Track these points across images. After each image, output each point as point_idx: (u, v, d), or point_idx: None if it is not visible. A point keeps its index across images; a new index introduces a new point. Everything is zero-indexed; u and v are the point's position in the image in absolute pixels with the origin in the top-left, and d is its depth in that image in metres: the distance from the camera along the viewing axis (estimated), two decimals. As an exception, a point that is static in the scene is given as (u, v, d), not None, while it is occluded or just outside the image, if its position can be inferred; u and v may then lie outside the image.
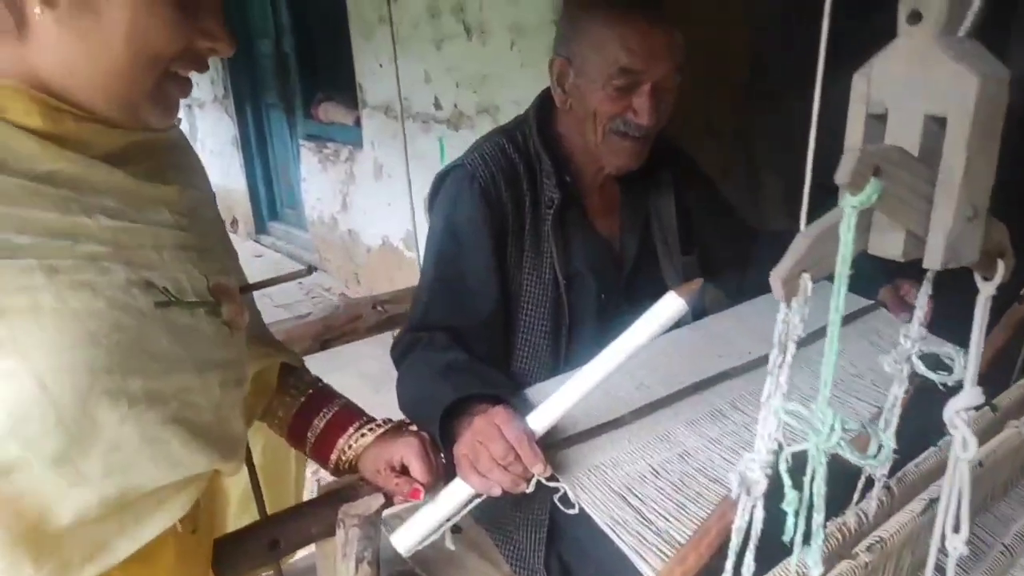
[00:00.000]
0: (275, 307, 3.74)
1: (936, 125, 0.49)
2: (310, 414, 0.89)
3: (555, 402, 0.86)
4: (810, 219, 0.51)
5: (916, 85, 0.49)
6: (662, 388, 1.03)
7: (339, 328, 1.35)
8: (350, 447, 0.86)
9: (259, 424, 0.94)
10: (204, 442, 0.65)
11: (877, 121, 0.52)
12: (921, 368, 0.63)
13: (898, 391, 0.65)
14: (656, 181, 1.26)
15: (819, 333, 1.13)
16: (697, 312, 1.33)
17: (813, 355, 1.14)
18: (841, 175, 0.46)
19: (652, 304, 1.25)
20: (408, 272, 3.37)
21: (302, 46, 4.08)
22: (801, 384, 1.07)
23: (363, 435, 0.86)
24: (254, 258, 4.60)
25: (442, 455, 0.88)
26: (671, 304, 0.85)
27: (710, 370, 1.07)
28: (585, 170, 1.20)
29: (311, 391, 0.91)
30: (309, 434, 0.88)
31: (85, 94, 0.58)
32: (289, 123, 4.40)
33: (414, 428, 0.90)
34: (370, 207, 3.53)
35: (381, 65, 3.16)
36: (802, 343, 1.11)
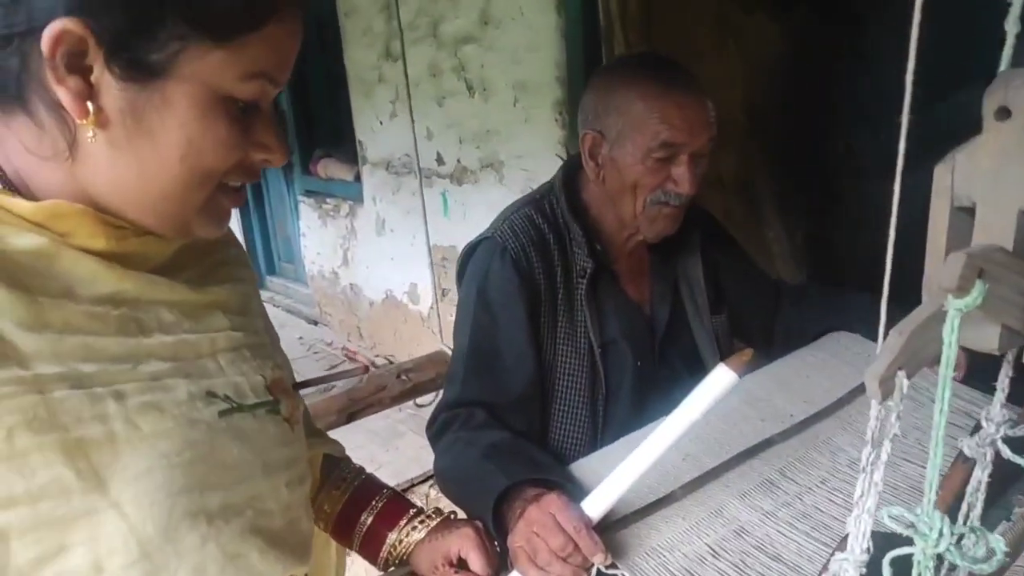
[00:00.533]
0: (277, 365, 3.71)
1: (1031, 220, 0.48)
2: (358, 508, 0.86)
3: (610, 485, 0.84)
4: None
5: (1008, 180, 0.48)
6: (709, 458, 1.01)
7: (364, 400, 1.33)
8: (401, 542, 0.83)
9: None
10: (280, 549, 0.63)
11: (963, 214, 0.52)
12: (1007, 452, 0.61)
13: (981, 475, 0.64)
14: (683, 243, 1.26)
15: (860, 388, 1.11)
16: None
17: (854, 414, 1.13)
18: (947, 279, 0.45)
19: (686, 368, 1.24)
20: (413, 325, 3.36)
21: (299, 105, 4.11)
22: (846, 446, 1.06)
23: (414, 528, 0.83)
24: (253, 314, 4.56)
25: (496, 543, 0.86)
26: (723, 377, 0.84)
27: (755, 436, 1.05)
28: (615, 238, 1.19)
29: (357, 483, 0.88)
30: (357, 528, 0.85)
31: (136, 212, 0.57)
32: (286, 179, 4.42)
33: (463, 517, 0.87)
34: (372, 261, 3.53)
35: (381, 122, 3.19)
36: (842, 402, 1.08)
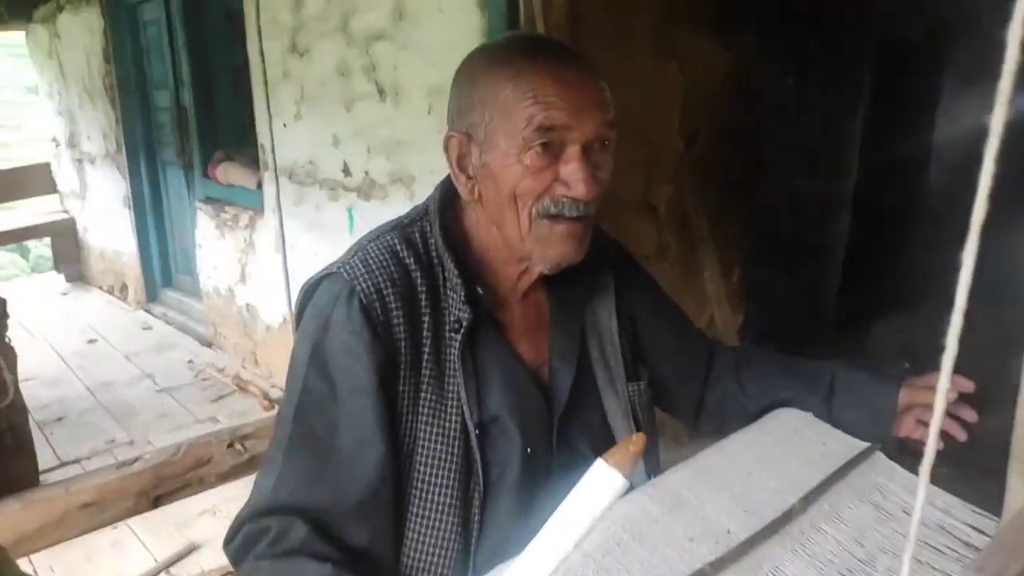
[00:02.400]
0: (158, 391, 3.28)
1: None
2: None
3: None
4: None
5: None
6: (617, 605, 0.72)
7: (178, 477, 0.99)
8: None
9: None
10: None
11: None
12: None
13: None
14: (592, 285, 0.98)
15: (815, 493, 0.82)
16: (650, 459, 1.04)
17: (807, 530, 0.85)
18: None
19: (594, 454, 0.95)
20: (311, 354, 2.99)
21: (202, 100, 3.72)
22: (794, 575, 0.78)
23: None
24: (143, 331, 4.11)
25: None
26: (604, 481, 0.55)
27: (682, 566, 0.77)
28: (502, 277, 0.91)
29: None
30: None
31: None
32: (187, 182, 4.00)
33: None
34: (270, 280, 3.15)
35: (285, 125, 2.85)
36: (793, 512, 0.79)
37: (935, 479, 0.94)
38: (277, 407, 2.98)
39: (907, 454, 1.01)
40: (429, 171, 2.25)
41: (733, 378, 1.10)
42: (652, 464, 1.02)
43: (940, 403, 0.27)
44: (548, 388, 0.92)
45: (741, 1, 2.57)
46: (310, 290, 0.87)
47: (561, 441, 0.92)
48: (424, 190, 2.30)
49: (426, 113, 2.22)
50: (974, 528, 0.88)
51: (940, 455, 1.02)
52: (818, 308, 3.31)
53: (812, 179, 3.03)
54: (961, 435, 0.98)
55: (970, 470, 1.01)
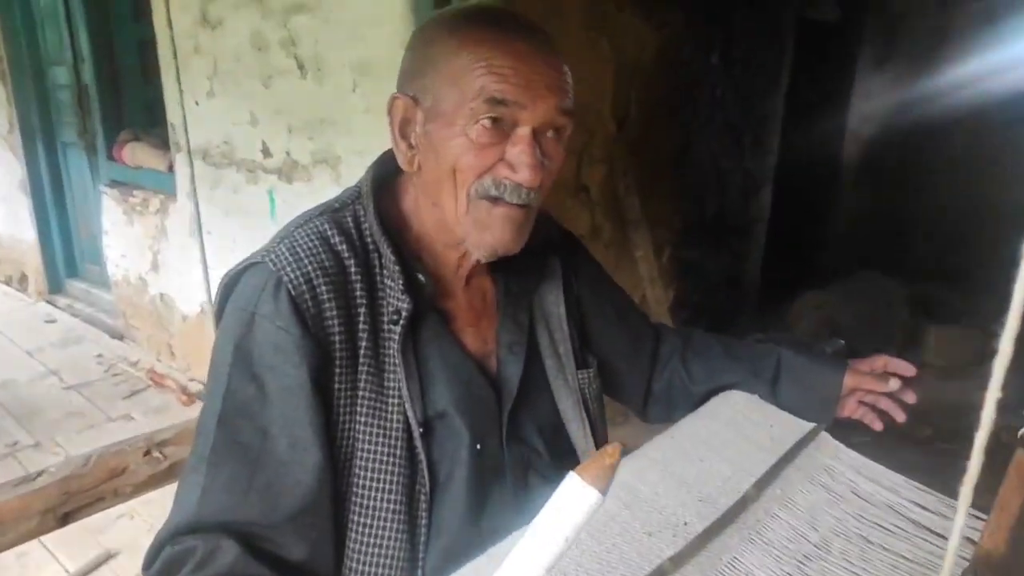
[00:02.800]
0: (65, 389, 3.06)
1: None
2: None
3: None
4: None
5: None
6: (575, 609, 0.68)
7: (89, 491, 0.89)
8: None
9: None
10: None
11: None
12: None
13: None
14: (539, 271, 0.94)
15: (767, 478, 0.80)
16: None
17: (762, 517, 0.83)
18: None
19: (547, 447, 0.91)
20: (234, 345, 2.84)
21: (105, 77, 3.46)
22: (757, 569, 0.77)
23: None
24: (45, 324, 3.83)
25: None
26: (579, 497, 0.51)
27: (640, 561, 0.74)
28: (444, 263, 0.85)
29: None
30: None
31: None
32: (91, 165, 3.73)
33: None
34: (185, 268, 2.97)
35: (197, 103, 2.67)
36: (746, 500, 0.76)
37: (855, 447, 0.96)
38: (197, 401, 2.82)
39: (839, 426, 1.02)
40: (356, 152, 2.15)
41: (679, 362, 1.08)
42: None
43: (989, 406, 0.23)
44: (496, 380, 0.87)
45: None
46: (231, 282, 0.79)
47: (511, 435, 0.87)
48: (351, 172, 2.20)
49: (351, 90, 2.12)
50: (918, 505, 0.89)
51: (861, 425, 1.03)
52: (743, 285, 3.38)
53: (736, 157, 3.07)
54: (901, 416, 0.99)
55: (887, 436, 1.04)
